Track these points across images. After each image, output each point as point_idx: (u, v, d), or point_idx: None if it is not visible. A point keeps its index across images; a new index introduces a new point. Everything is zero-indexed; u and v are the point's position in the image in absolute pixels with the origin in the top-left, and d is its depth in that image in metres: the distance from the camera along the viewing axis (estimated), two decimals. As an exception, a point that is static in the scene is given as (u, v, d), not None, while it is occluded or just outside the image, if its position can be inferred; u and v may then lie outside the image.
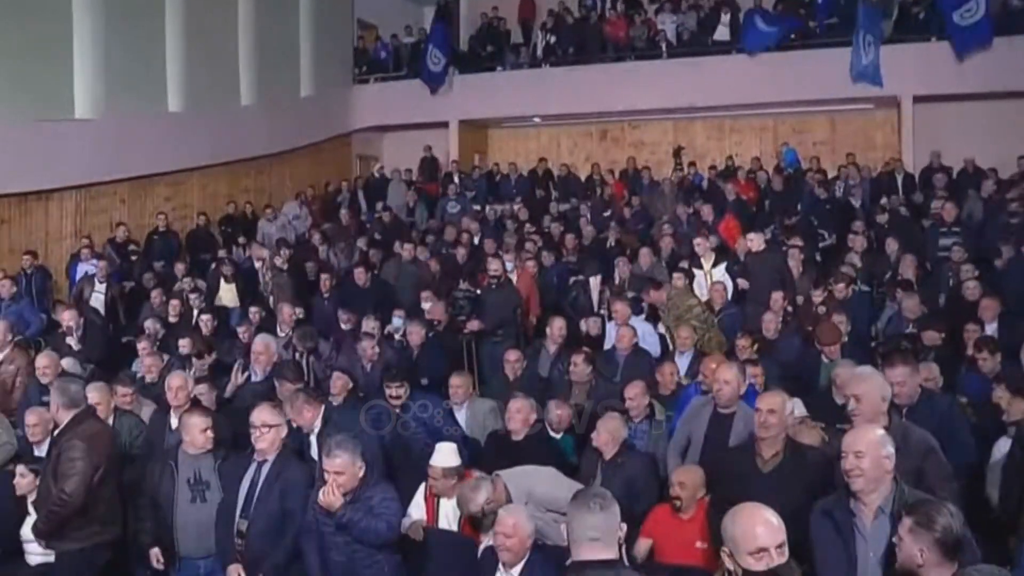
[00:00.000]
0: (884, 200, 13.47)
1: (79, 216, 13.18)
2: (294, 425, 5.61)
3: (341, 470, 4.38)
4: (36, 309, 10.41)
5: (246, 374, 7.50)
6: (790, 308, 9.13)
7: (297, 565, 4.63)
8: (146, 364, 8.00)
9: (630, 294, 9.76)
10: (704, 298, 9.40)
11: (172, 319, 10.07)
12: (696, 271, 10.09)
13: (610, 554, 3.18)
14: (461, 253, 12.38)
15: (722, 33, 16.86)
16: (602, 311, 10.07)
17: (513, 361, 7.69)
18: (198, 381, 6.92)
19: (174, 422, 5.85)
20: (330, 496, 4.35)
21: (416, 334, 8.65)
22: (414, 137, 18.69)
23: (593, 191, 16.14)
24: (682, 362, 7.68)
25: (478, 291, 10.38)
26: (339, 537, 4.45)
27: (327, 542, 4.50)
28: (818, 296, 8.99)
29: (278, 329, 8.96)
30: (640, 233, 13.23)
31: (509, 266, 10.38)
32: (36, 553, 5.22)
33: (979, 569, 3.08)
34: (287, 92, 17.17)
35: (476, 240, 13.18)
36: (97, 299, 10.93)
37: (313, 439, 5.67)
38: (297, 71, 17.55)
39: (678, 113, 17.94)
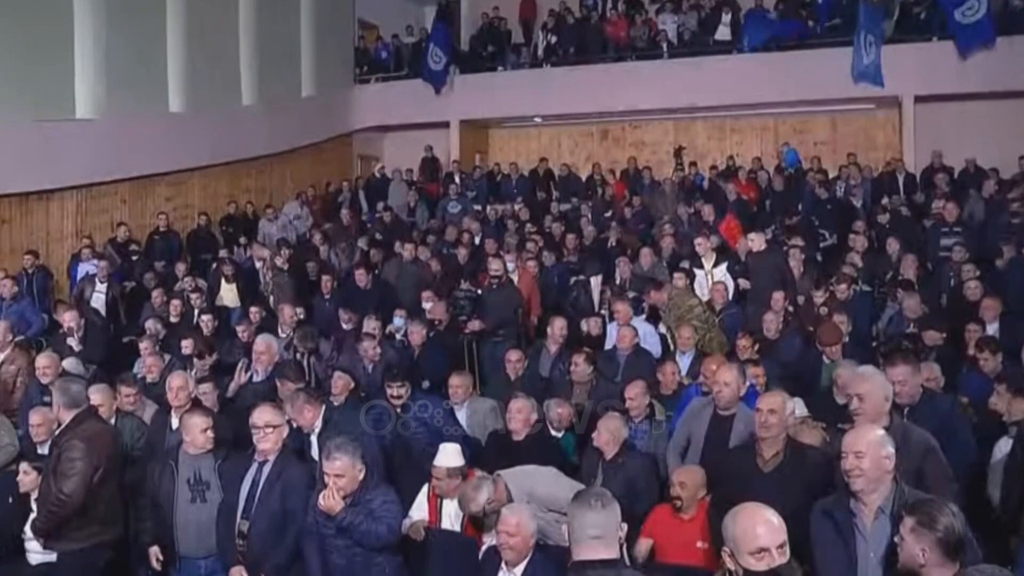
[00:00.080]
0: (885, 200, 13.46)
1: (80, 216, 13.19)
2: (294, 425, 5.62)
3: (341, 473, 4.38)
4: (37, 309, 10.41)
5: (248, 374, 7.51)
6: (791, 308, 9.12)
7: (298, 565, 4.63)
8: (147, 364, 8.01)
9: (631, 294, 9.76)
10: (705, 298, 9.40)
11: (173, 319, 10.07)
12: (697, 271, 10.08)
13: (611, 553, 3.19)
14: (462, 253, 12.39)
15: (723, 33, 16.86)
16: (603, 311, 10.08)
17: (514, 361, 7.69)
18: (201, 380, 6.93)
19: (175, 422, 5.85)
20: (330, 500, 4.36)
21: (417, 334, 8.66)
22: (415, 137, 18.70)
23: (594, 191, 16.14)
24: (683, 362, 7.68)
25: (479, 291, 10.38)
26: (340, 540, 4.45)
27: (328, 545, 4.50)
28: (820, 297, 8.99)
29: (279, 330, 8.96)
30: (641, 233, 13.23)
31: (510, 266, 10.38)
32: (37, 552, 5.22)
33: (980, 569, 3.08)
34: (288, 92, 17.17)
35: (477, 240, 13.18)
36: (98, 299, 10.93)
37: (314, 439, 5.68)
38: (298, 71, 17.56)
39: (679, 113, 17.95)
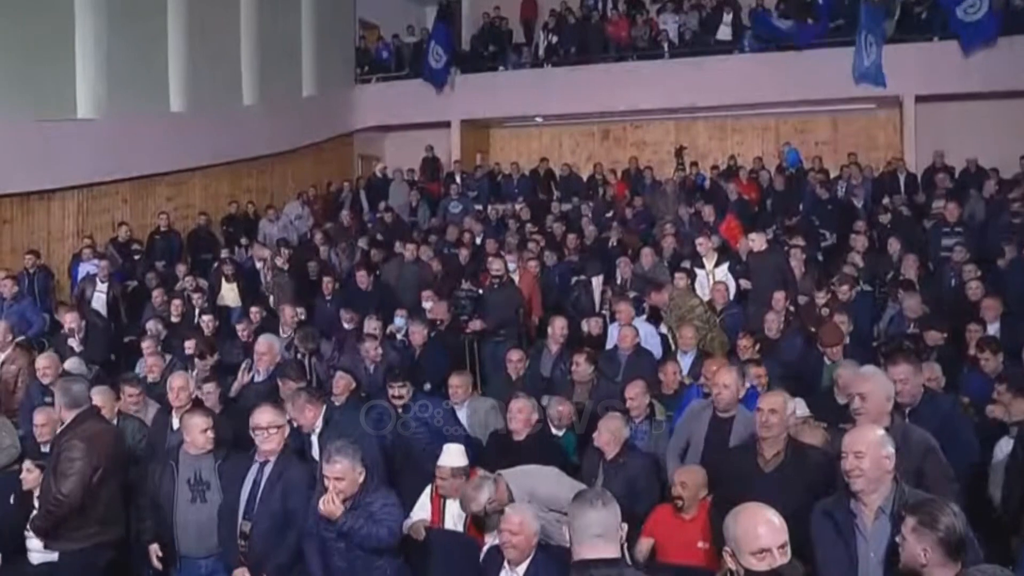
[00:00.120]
0: (886, 200, 13.46)
1: (81, 216, 13.19)
2: (295, 424, 5.63)
3: (341, 476, 4.39)
4: (38, 309, 10.40)
5: (251, 374, 7.51)
6: (792, 308, 9.12)
7: (300, 566, 4.64)
8: (149, 364, 8.02)
9: (632, 294, 9.77)
10: (706, 298, 9.39)
11: (174, 319, 10.07)
12: (698, 271, 10.07)
13: (613, 552, 3.19)
14: (464, 253, 12.39)
15: (724, 33, 16.86)
16: (604, 311, 10.08)
17: (516, 361, 7.69)
18: (205, 380, 6.95)
19: (176, 423, 5.85)
20: (330, 505, 4.36)
21: (419, 334, 8.66)
22: (416, 137, 18.69)
23: (595, 191, 16.13)
24: (685, 362, 7.68)
25: (480, 291, 10.38)
26: (340, 543, 4.46)
27: (328, 548, 4.51)
28: (822, 298, 8.96)
29: (280, 330, 8.96)
30: (642, 233, 13.22)
31: (512, 266, 10.37)
32: (38, 552, 5.23)
33: (982, 570, 3.07)
34: (289, 92, 17.17)
35: (479, 240, 13.18)
36: (99, 299, 10.93)
37: (314, 439, 5.68)
38: (299, 71, 17.55)
39: (680, 113, 17.95)
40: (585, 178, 16.96)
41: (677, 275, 9.54)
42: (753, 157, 16.47)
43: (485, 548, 4.63)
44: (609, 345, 8.54)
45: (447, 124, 18.43)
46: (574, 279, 11.22)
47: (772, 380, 6.56)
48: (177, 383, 6.12)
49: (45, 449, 5.64)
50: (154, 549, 5.12)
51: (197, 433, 5.04)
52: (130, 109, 13.37)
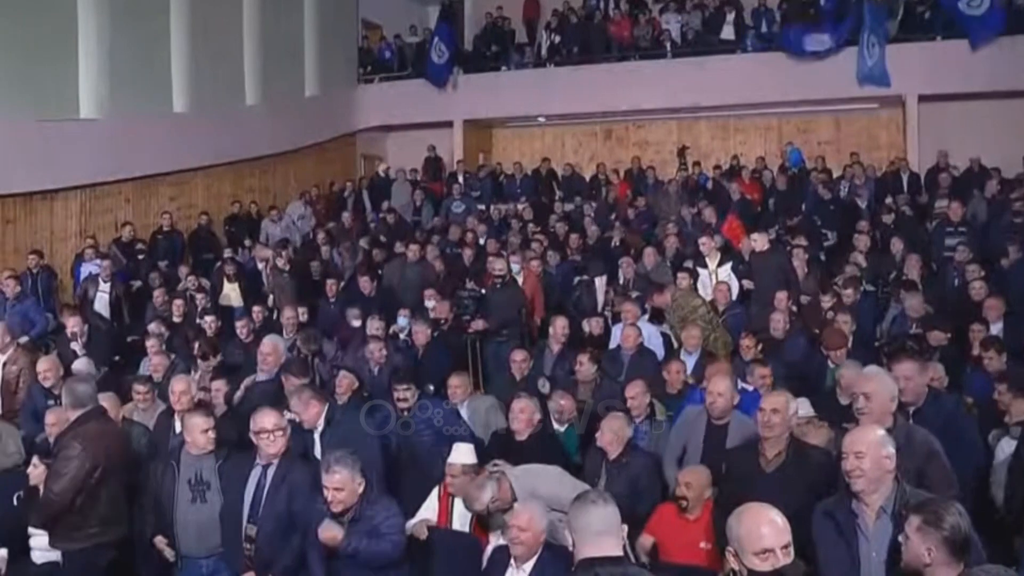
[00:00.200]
0: (889, 200, 13.44)
1: (84, 216, 13.20)
2: (297, 420, 5.64)
3: (340, 486, 4.39)
4: (41, 308, 10.41)
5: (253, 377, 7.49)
6: (794, 308, 9.11)
7: (305, 570, 4.65)
8: (153, 364, 8.02)
9: (634, 294, 9.76)
10: (708, 298, 9.38)
11: (176, 319, 10.07)
12: (701, 271, 10.06)
13: (616, 550, 3.20)
14: (467, 253, 12.38)
15: (727, 32, 16.84)
16: (606, 311, 10.07)
17: (519, 361, 7.68)
18: (214, 378, 6.99)
19: (178, 426, 5.85)
20: (329, 532, 4.36)
21: (422, 334, 8.64)
22: (418, 137, 18.69)
23: (598, 191, 16.13)
24: (689, 362, 7.66)
25: (483, 291, 10.37)
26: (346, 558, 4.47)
27: (335, 566, 4.51)
28: (827, 301, 8.91)
29: (283, 332, 8.95)
30: (645, 233, 13.22)
31: (515, 267, 10.36)
32: (41, 551, 5.25)
33: (986, 570, 3.07)
34: (292, 92, 17.17)
35: (482, 240, 13.18)
36: (101, 299, 10.95)
37: (316, 437, 5.69)
38: (302, 71, 17.56)
39: (682, 113, 17.95)
40: (588, 178, 16.94)
41: (680, 275, 9.54)
42: (756, 157, 16.44)
43: (489, 548, 4.63)
44: (612, 345, 8.54)
45: (450, 124, 18.43)
46: (577, 279, 11.21)
47: (776, 380, 6.55)
48: (179, 387, 6.13)
49: (57, 449, 5.66)
50: (160, 540, 5.11)
51: (198, 433, 5.04)
52: (133, 109, 13.38)
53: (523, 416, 5.88)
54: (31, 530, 5.30)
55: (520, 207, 15.50)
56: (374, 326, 8.86)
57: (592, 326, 9.09)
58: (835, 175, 14.98)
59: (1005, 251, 10.12)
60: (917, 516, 3.19)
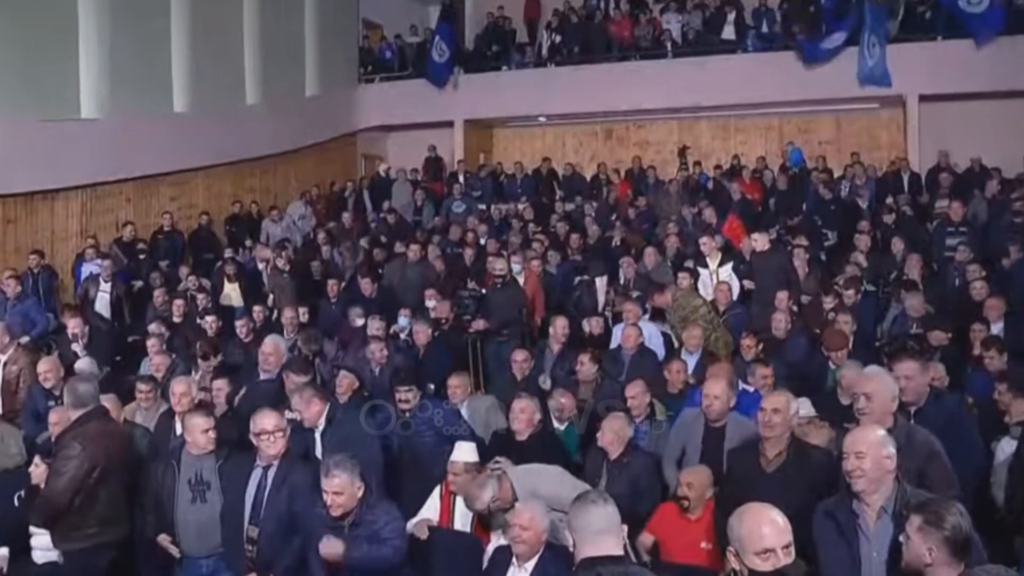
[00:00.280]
0: (890, 200, 13.44)
1: (85, 216, 13.20)
2: (299, 418, 5.64)
3: (339, 490, 4.40)
4: (42, 308, 10.43)
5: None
6: (795, 308, 9.11)
7: (306, 570, 4.65)
8: (155, 363, 8.02)
9: (635, 294, 9.76)
10: (709, 298, 9.38)
11: (176, 319, 10.07)
12: (701, 270, 10.06)
13: (617, 549, 3.20)
14: (468, 253, 12.38)
15: (728, 32, 16.83)
16: (606, 311, 10.07)
17: (521, 361, 7.67)
18: (216, 377, 6.99)
19: (179, 427, 5.84)
20: (331, 548, 4.35)
21: (423, 334, 8.65)
22: (419, 136, 18.69)
23: (598, 191, 16.13)
24: (690, 361, 7.66)
25: (483, 291, 10.37)
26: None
27: (334, 568, 4.51)
28: (829, 303, 8.91)
29: (284, 332, 8.95)
30: (645, 233, 13.22)
31: (516, 267, 10.36)
32: (42, 551, 5.26)
33: (986, 570, 3.07)
34: (292, 92, 17.17)
35: (482, 240, 13.18)
36: (102, 299, 10.96)
37: (317, 436, 5.70)
38: (302, 71, 17.56)
39: (683, 112, 17.94)
40: (588, 178, 16.94)
41: (680, 275, 9.54)
42: (756, 157, 16.43)
43: (490, 548, 4.63)
44: (613, 345, 8.54)
45: (450, 124, 18.43)
46: (577, 279, 11.21)
47: (777, 380, 6.55)
48: (179, 389, 6.13)
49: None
50: (163, 539, 5.11)
51: (198, 433, 5.05)
52: (133, 109, 13.38)
53: (523, 416, 5.88)
54: (32, 529, 5.30)
55: (521, 207, 15.49)
56: (375, 326, 8.86)
57: (592, 326, 9.09)
58: (836, 175, 14.97)
59: (1006, 251, 10.13)
60: (918, 516, 3.18)
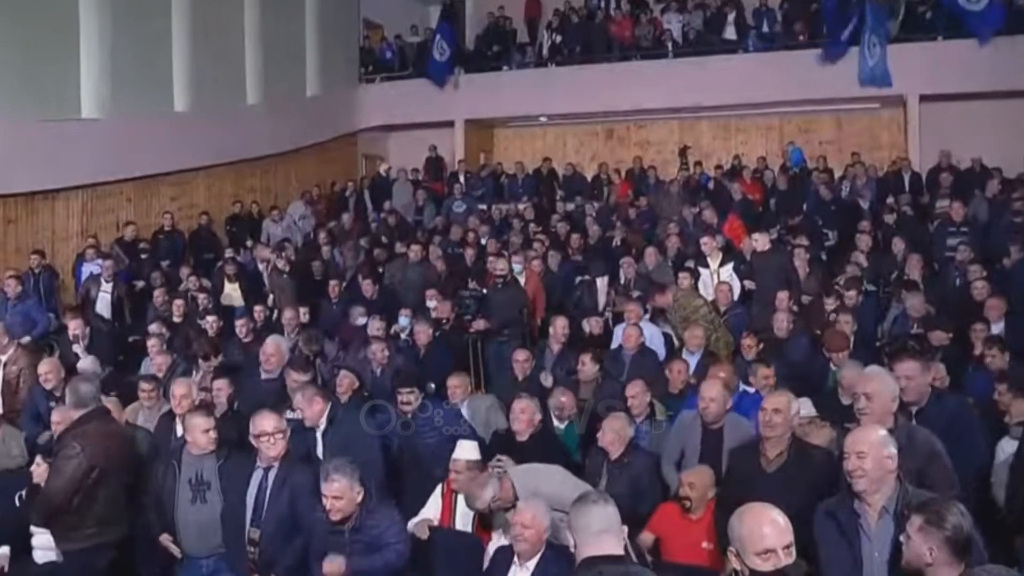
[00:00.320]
0: (891, 200, 13.44)
1: (85, 216, 13.21)
2: (300, 418, 5.63)
3: (339, 495, 4.41)
4: (43, 308, 10.43)
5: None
6: (796, 308, 9.10)
7: (307, 571, 4.65)
8: (156, 363, 8.02)
9: (635, 294, 9.76)
10: (710, 298, 9.38)
11: (176, 319, 10.07)
12: (702, 271, 10.05)
13: (617, 549, 3.20)
14: (469, 253, 12.38)
15: (728, 32, 16.83)
16: (607, 311, 10.07)
17: (522, 361, 7.67)
18: (214, 378, 6.98)
19: (179, 428, 5.84)
20: (333, 566, 4.35)
21: (423, 333, 8.65)
22: (420, 136, 18.68)
23: (599, 191, 16.13)
24: (691, 362, 7.65)
25: (484, 291, 10.37)
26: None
27: None
28: (831, 304, 8.91)
29: (284, 332, 8.95)
30: (646, 233, 13.21)
31: (518, 267, 10.36)
32: (43, 548, 5.26)
33: (987, 570, 3.07)
34: (293, 92, 17.17)
35: (483, 240, 13.18)
36: (103, 299, 10.96)
37: (319, 436, 5.70)
38: (303, 71, 17.56)
39: (684, 112, 17.93)
40: (589, 178, 16.94)
41: (681, 275, 9.53)
42: (757, 157, 16.42)
43: (491, 547, 4.63)
44: (614, 345, 8.54)
45: (451, 124, 18.43)
46: (578, 279, 11.21)
47: (778, 380, 6.54)
48: (179, 391, 6.12)
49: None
50: (165, 538, 5.11)
51: (199, 433, 5.04)
52: (134, 109, 13.39)
53: (524, 416, 5.88)
54: (33, 529, 5.30)
55: (521, 207, 15.48)
56: (375, 326, 8.86)
57: (592, 326, 9.09)
58: (836, 175, 14.98)
59: (1006, 251, 10.14)
60: (919, 516, 3.18)
